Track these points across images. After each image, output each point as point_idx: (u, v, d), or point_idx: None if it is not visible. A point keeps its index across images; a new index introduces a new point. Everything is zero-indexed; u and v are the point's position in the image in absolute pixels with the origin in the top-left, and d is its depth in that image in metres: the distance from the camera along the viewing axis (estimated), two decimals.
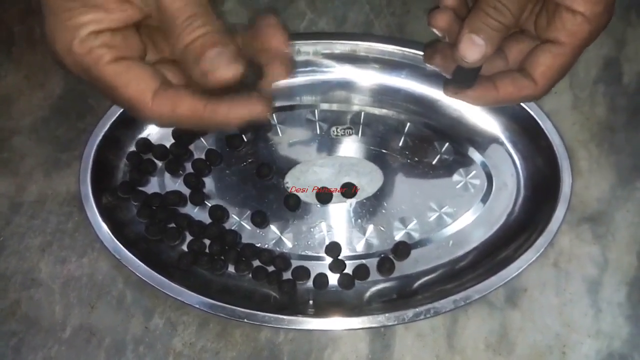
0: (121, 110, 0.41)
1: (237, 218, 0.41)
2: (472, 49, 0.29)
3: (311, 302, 0.39)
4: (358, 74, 0.44)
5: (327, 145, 0.43)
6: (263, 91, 0.28)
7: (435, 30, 0.32)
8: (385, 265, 0.39)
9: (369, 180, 0.42)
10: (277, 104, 0.44)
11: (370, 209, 0.41)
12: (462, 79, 0.32)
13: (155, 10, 0.26)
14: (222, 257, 0.39)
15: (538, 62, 0.31)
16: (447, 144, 0.43)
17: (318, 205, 0.41)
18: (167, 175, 0.42)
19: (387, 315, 0.36)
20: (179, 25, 0.25)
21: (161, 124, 0.28)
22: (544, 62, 0.31)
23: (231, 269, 0.40)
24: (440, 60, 0.33)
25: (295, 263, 0.40)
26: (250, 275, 0.39)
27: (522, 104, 0.41)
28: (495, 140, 0.43)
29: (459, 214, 0.41)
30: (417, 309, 0.36)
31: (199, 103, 0.26)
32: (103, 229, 0.38)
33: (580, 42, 0.30)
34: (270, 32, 0.28)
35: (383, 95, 0.44)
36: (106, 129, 0.40)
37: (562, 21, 0.30)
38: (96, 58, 0.25)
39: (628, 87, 0.44)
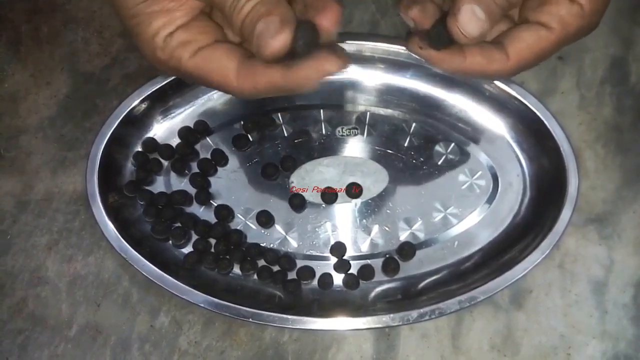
0: (127, 110, 0.41)
1: (242, 218, 0.41)
2: (473, 21, 0.26)
3: (316, 302, 0.39)
4: (364, 74, 0.44)
5: (333, 145, 0.43)
6: (329, 45, 0.26)
7: (406, 19, 0.30)
8: (390, 266, 0.39)
9: (374, 181, 0.42)
10: (283, 104, 0.44)
11: (375, 209, 0.41)
12: (437, 40, 0.28)
13: (208, 2, 0.26)
14: (228, 257, 0.40)
15: (519, 38, 0.29)
16: (452, 144, 0.43)
17: (323, 205, 0.41)
18: (173, 174, 0.42)
19: (391, 315, 0.36)
20: (229, 8, 0.26)
21: (251, 97, 0.28)
22: (525, 40, 0.28)
23: (236, 268, 0.40)
24: (417, 12, 0.29)
25: (300, 263, 0.40)
26: (255, 275, 0.39)
27: (527, 103, 0.41)
28: (501, 140, 0.42)
29: (465, 214, 0.41)
30: (422, 310, 0.36)
31: (275, 73, 0.26)
32: (109, 227, 0.38)
33: (568, 34, 0.29)
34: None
35: (388, 95, 0.44)
36: (113, 128, 0.41)
37: (558, 7, 0.28)
38: (178, 59, 0.27)
39: (635, 87, 0.44)
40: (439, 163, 0.42)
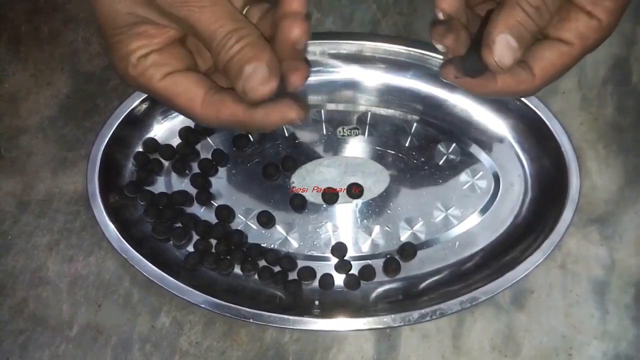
0: (128, 110, 0.41)
1: (243, 218, 0.41)
2: (507, 52, 0.27)
3: (317, 302, 0.39)
4: (364, 74, 0.43)
5: (334, 145, 0.43)
6: (294, 86, 0.29)
7: (439, 46, 0.30)
8: (391, 266, 0.39)
9: (375, 181, 0.42)
10: None
11: (376, 209, 0.41)
12: (472, 69, 0.29)
13: (192, 32, 0.28)
14: (228, 257, 0.40)
15: (542, 57, 0.30)
16: (453, 145, 0.43)
17: (324, 206, 0.41)
18: (173, 175, 0.42)
19: (392, 316, 0.36)
20: (216, 46, 0.27)
21: (212, 126, 0.31)
22: (548, 58, 0.30)
23: (237, 269, 0.40)
24: (451, 41, 0.30)
25: (301, 263, 0.40)
26: (256, 276, 0.39)
27: (529, 103, 0.41)
28: (502, 140, 0.42)
29: (466, 215, 0.41)
30: (423, 310, 0.36)
31: (238, 109, 0.28)
32: (110, 228, 0.38)
33: (587, 47, 0.30)
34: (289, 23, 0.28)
35: (389, 95, 0.44)
36: (113, 128, 0.41)
37: (577, 23, 0.29)
38: (149, 77, 0.29)
39: (637, 87, 0.44)
40: (440, 163, 0.42)
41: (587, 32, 0.29)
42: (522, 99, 0.41)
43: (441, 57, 0.41)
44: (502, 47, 0.27)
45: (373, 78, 0.44)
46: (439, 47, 0.31)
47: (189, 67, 0.30)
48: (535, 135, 0.41)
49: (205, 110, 0.28)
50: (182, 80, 0.29)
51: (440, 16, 0.30)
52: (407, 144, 0.43)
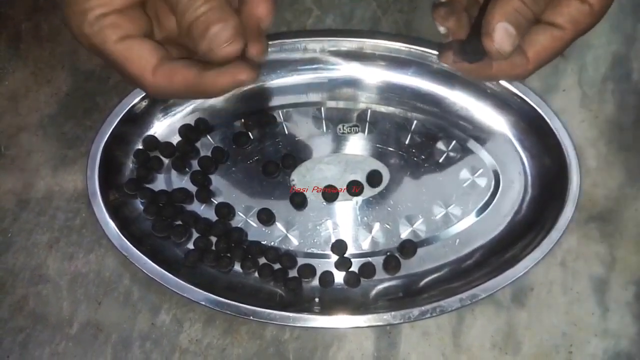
0: (128, 107, 0.41)
1: (243, 216, 0.41)
2: (507, 39, 0.28)
3: (317, 299, 0.39)
4: (365, 71, 0.43)
5: (334, 142, 0.43)
6: (252, 58, 0.29)
7: (440, 28, 0.31)
8: (391, 264, 0.39)
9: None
10: (284, 101, 0.44)
11: (376, 206, 0.41)
12: (472, 53, 0.30)
13: None
14: (228, 255, 0.40)
15: (535, 41, 0.30)
16: (454, 142, 0.42)
17: (324, 203, 0.41)
18: (173, 172, 0.42)
19: (392, 313, 0.36)
20: (182, 6, 0.27)
21: (163, 96, 0.31)
22: (541, 42, 0.30)
23: (237, 266, 0.40)
24: (453, 23, 0.31)
25: (301, 261, 0.40)
26: (256, 273, 0.39)
27: (530, 101, 0.41)
28: (502, 138, 0.42)
29: (466, 212, 0.41)
30: (423, 308, 0.36)
31: (190, 74, 0.28)
32: (110, 225, 0.38)
33: (579, 31, 0.30)
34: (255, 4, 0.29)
35: (390, 92, 0.44)
36: (113, 126, 0.41)
37: (569, 8, 0.29)
38: (104, 38, 0.28)
39: (638, 85, 0.44)
40: (440, 161, 0.42)
41: (579, 17, 0.29)
42: (523, 96, 0.41)
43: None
44: (502, 35, 0.28)
45: (373, 75, 0.43)
46: (441, 28, 0.32)
47: (146, 33, 0.29)
48: (535, 132, 0.41)
49: (156, 79, 0.28)
50: (137, 46, 0.28)
51: (441, 29, 0.31)
52: (407, 142, 0.43)
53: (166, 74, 0.28)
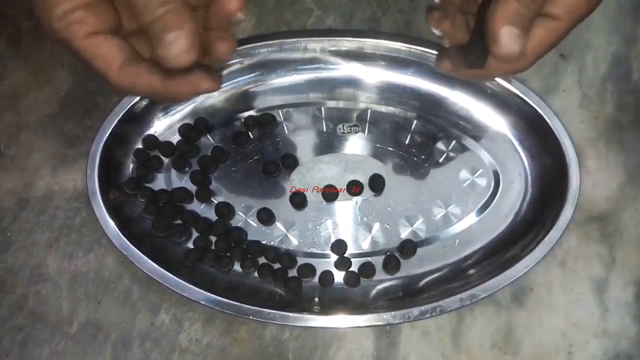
0: (128, 107, 0.41)
1: (243, 215, 0.41)
2: (513, 42, 0.28)
3: (317, 299, 0.39)
4: (365, 71, 0.43)
5: (334, 142, 0.43)
6: (212, 66, 0.29)
7: (435, 31, 0.31)
8: (391, 263, 0.39)
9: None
10: (284, 101, 0.44)
11: (376, 206, 0.41)
12: (475, 59, 0.30)
13: None
14: (228, 254, 0.40)
15: (532, 35, 0.30)
16: (453, 142, 0.42)
17: (324, 203, 0.41)
18: (173, 172, 0.42)
19: (392, 313, 0.36)
20: (140, 6, 0.27)
21: (126, 94, 0.32)
22: (538, 36, 0.30)
23: (237, 266, 0.40)
24: (448, 26, 0.31)
25: (300, 260, 0.40)
26: (256, 273, 0.39)
27: (530, 101, 0.41)
28: (502, 138, 0.42)
29: (466, 212, 0.41)
30: (422, 307, 0.36)
31: (153, 79, 0.28)
32: (110, 225, 0.38)
33: (575, 20, 0.30)
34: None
35: (390, 92, 0.44)
36: (113, 125, 0.41)
37: None
38: (71, 33, 0.28)
39: (637, 85, 0.44)
40: (440, 161, 0.42)
41: (574, 7, 0.29)
42: (523, 97, 0.41)
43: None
44: (508, 39, 0.28)
45: (373, 75, 0.44)
46: (436, 32, 0.32)
47: (113, 28, 0.29)
48: (535, 133, 0.41)
49: (120, 78, 0.29)
50: (103, 43, 0.28)
51: (436, 0, 0.31)
52: (407, 142, 0.43)
53: (130, 75, 0.29)
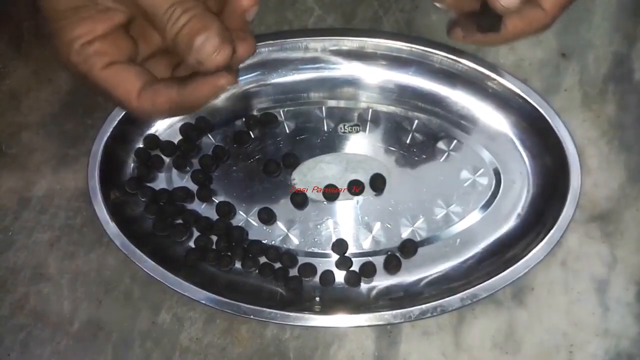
0: None
1: (244, 215, 0.41)
2: None
3: (317, 299, 0.39)
4: (366, 70, 0.43)
5: (335, 142, 0.43)
6: (241, 57, 0.29)
7: (437, 4, 0.31)
8: (392, 263, 0.39)
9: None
10: (285, 100, 0.44)
11: (377, 206, 0.41)
12: (490, 22, 0.30)
13: (137, 10, 0.28)
14: (229, 254, 0.40)
15: None
16: (455, 141, 0.42)
17: (325, 202, 0.41)
18: (174, 171, 0.42)
19: (393, 312, 0.36)
20: (161, 19, 0.27)
21: (149, 117, 0.32)
22: None
23: (238, 265, 0.40)
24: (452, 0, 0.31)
25: (301, 260, 0.40)
26: (256, 272, 0.39)
27: (531, 101, 0.41)
28: (503, 137, 0.42)
29: (467, 212, 0.41)
30: (423, 307, 0.36)
31: (171, 92, 0.29)
32: (111, 224, 0.38)
33: None
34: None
35: (391, 92, 0.44)
36: (114, 125, 0.41)
37: None
38: (90, 66, 0.28)
39: (638, 85, 0.44)
40: (441, 160, 0.42)
41: None
42: (525, 96, 0.41)
43: (442, 54, 0.42)
44: None
45: (374, 75, 0.43)
46: (438, 4, 0.32)
47: (130, 57, 0.30)
48: (537, 132, 0.41)
49: (141, 102, 0.29)
50: (122, 72, 0.29)
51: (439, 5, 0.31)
52: (408, 141, 0.43)
53: (149, 96, 0.29)
